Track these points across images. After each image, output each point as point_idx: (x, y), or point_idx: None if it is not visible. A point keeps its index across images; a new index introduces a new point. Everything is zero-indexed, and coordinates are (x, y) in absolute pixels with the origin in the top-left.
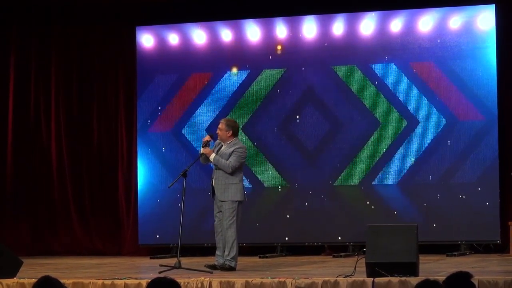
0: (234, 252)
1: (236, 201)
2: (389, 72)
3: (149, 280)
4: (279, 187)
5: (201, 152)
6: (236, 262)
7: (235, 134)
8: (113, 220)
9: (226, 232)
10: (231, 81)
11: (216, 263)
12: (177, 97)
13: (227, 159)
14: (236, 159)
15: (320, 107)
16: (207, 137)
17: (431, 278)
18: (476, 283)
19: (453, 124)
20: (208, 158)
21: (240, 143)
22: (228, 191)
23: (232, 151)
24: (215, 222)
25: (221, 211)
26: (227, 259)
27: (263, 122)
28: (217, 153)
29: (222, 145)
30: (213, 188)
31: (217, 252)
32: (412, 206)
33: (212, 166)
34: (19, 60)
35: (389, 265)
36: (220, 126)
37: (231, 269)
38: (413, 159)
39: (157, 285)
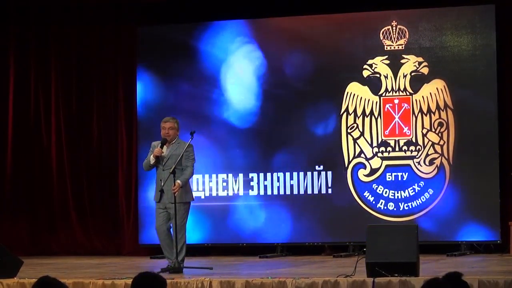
0: (183, 254)
1: (187, 202)
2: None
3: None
4: (279, 187)
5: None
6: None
7: None
8: (112, 220)
9: (176, 234)
10: (231, 82)
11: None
12: (177, 98)
13: (177, 159)
14: (191, 162)
15: (319, 106)
16: (160, 151)
17: (439, 277)
18: (476, 283)
19: (453, 123)
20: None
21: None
22: (179, 193)
23: (183, 153)
24: (157, 223)
25: (167, 212)
26: (178, 261)
27: (262, 122)
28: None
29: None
30: (161, 190)
31: (167, 254)
32: (410, 204)
33: (159, 167)
34: (19, 60)
35: (389, 265)
36: (170, 125)
37: (180, 271)
38: (413, 160)
39: (142, 281)
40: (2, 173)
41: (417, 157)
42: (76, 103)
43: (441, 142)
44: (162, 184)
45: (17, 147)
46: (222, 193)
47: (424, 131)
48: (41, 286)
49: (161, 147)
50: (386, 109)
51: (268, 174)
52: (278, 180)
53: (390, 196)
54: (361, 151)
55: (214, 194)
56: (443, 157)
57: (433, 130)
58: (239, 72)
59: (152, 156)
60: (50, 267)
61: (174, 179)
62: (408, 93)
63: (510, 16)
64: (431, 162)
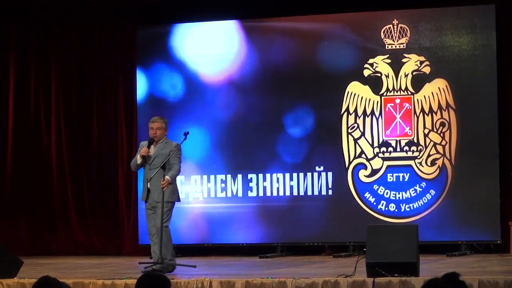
0: (171, 251)
1: (172, 201)
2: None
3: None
4: (279, 188)
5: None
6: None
7: None
8: (112, 220)
9: (160, 232)
10: (231, 82)
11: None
12: (176, 98)
13: (164, 159)
14: (178, 160)
15: (319, 105)
16: (147, 150)
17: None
18: (476, 283)
19: (455, 123)
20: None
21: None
22: (165, 192)
23: (169, 152)
24: (149, 225)
25: (155, 212)
26: (168, 260)
27: (262, 121)
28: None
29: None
30: (148, 189)
31: (157, 253)
32: (412, 206)
33: (146, 167)
34: (19, 60)
35: (389, 265)
36: (158, 125)
37: (174, 268)
38: (414, 160)
39: (147, 281)
40: (2, 173)
41: (418, 157)
42: (76, 103)
43: (443, 142)
44: (148, 181)
45: (17, 147)
46: (221, 194)
47: (426, 131)
48: (41, 286)
49: (148, 146)
50: (387, 109)
51: (268, 175)
52: (278, 181)
53: (391, 197)
54: (362, 152)
55: (212, 195)
56: (445, 158)
57: (435, 130)
58: (237, 71)
59: (138, 155)
60: (50, 267)
61: (164, 175)
62: (409, 93)
63: (510, 16)
64: (433, 163)
